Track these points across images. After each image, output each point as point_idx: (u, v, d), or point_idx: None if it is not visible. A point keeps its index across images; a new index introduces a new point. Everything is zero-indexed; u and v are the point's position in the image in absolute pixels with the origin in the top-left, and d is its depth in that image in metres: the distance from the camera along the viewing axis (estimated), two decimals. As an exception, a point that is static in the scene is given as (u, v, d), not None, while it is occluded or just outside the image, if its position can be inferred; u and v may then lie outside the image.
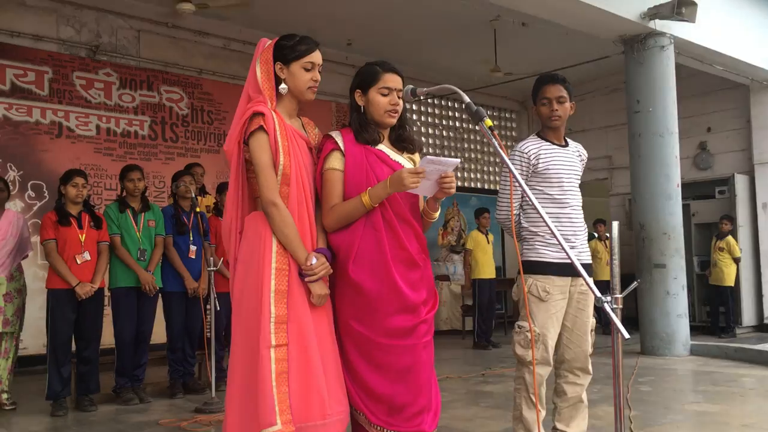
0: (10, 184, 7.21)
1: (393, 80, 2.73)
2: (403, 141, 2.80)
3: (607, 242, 10.55)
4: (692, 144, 11.27)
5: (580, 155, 3.66)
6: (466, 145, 12.55)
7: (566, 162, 3.52)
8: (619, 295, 2.08)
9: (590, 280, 2.09)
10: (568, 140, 3.66)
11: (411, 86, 2.71)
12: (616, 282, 2.10)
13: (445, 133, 12.09)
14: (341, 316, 2.63)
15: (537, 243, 3.45)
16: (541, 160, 3.46)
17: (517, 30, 9.29)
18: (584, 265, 3.49)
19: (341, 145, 2.65)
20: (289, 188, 2.53)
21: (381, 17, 9.28)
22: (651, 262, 8.02)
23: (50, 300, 5.07)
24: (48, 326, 5.06)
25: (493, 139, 2.36)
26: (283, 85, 2.62)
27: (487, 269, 8.99)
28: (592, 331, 3.56)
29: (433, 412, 2.70)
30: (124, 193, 5.54)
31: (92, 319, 5.18)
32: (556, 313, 3.39)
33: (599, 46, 9.13)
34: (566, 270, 3.40)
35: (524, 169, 3.46)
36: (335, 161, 2.63)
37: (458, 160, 2.65)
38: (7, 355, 5.25)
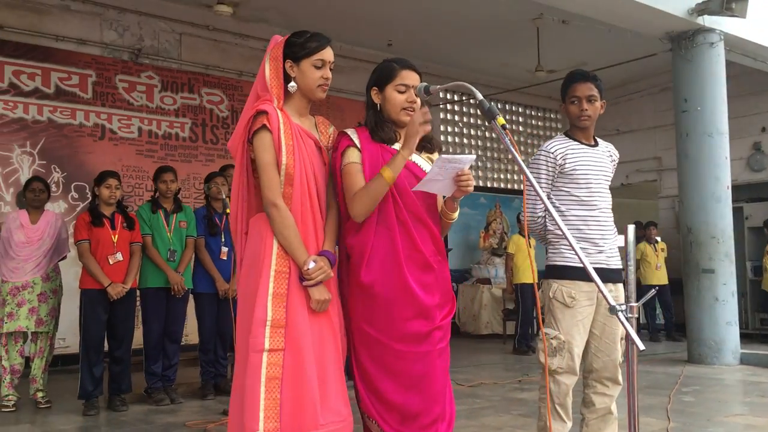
0: (53, 185, 7.42)
1: (410, 77, 2.65)
2: (421, 140, 2.70)
3: (657, 246, 10.23)
4: (745, 145, 10.86)
5: (611, 155, 3.51)
6: (509, 147, 12.34)
7: (595, 162, 3.38)
8: (634, 304, 1.94)
9: (602, 286, 1.96)
10: (598, 140, 3.51)
11: (424, 83, 2.62)
12: (631, 289, 1.96)
13: (487, 134, 11.90)
14: (354, 319, 2.56)
15: (563, 246, 3.32)
16: (568, 160, 3.32)
17: (560, 28, 9.09)
18: (613, 270, 3.34)
19: (357, 142, 2.58)
20: (293, 189, 2.46)
21: (421, 18, 9.18)
22: (699, 267, 7.71)
23: (83, 300, 5.13)
24: (80, 326, 5.12)
25: (506, 138, 2.25)
26: (292, 83, 2.56)
27: (529, 274, 8.80)
28: (622, 339, 3.40)
29: (447, 422, 2.61)
30: (157, 194, 5.57)
31: (124, 320, 5.22)
32: (583, 320, 3.25)
33: (646, 44, 8.86)
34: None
35: (550, 169, 3.34)
36: (354, 156, 2.57)
37: (473, 156, 2.51)
38: (41, 355, 5.33)
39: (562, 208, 3.33)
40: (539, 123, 12.61)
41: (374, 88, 2.68)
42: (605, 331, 3.33)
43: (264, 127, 2.45)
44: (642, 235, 10.34)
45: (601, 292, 1.94)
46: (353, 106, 9.62)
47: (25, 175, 7.47)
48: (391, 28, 9.52)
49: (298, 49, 2.56)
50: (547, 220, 3.41)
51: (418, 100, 2.67)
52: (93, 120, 8.02)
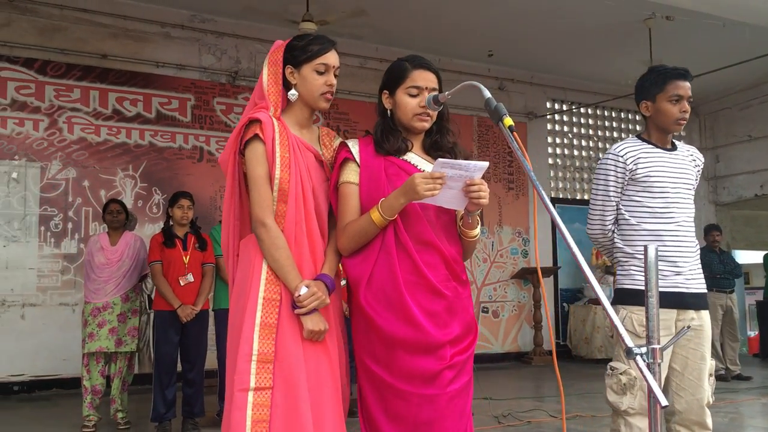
0: (153, 207, 7.62)
1: (424, 78, 2.32)
2: (439, 149, 2.37)
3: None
4: None
5: (695, 160, 3.03)
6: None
7: (673, 168, 2.91)
8: (657, 347, 1.53)
9: (614, 315, 1.55)
10: (677, 143, 3.03)
11: (433, 94, 2.28)
12: (654, 326, 1.54)
13: (600, 144, 11.18)
14: (357, 353, 2.26)
15: (633, 268, 2.88)
16: (640, 165, 2.88)
17: (673, 29, 8.35)
18: (694, 295, 2.86)
19: (356, 155, 2.29)
20: (287, 206, 2.20)
21: (523, 26, 8.73)
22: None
23: (155, 321, 5.14)
24: (153, 348, 5.11)
25: (513, 142, 1.89)
26: (292, 91, 2.32)
27: (642, 293, 8.07)
28: (710, 376, 2.90)
29: None
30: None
31: (196, 341, 5.17)
32: None
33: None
34: (671, 300, 2.79)
35: (619, 175, 2.92)
36: (350, 174, 2.27)
37: (486, 163, 2.14)
38: (120, 375, 5.37)
39: (633, 221, 2.89)
40: (660, 131, 11.69)
41: (385, 91, 2.38)
42: (688, 366, 2.86)
43: (256, 137, 2.22)
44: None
45: (611, 320, 1.53)
46: (455, 121, 9.22)
47: (128, 198, 7.73)
48: (491, 37, 9.14)
49: (298, 52, 2.32)
50: (615, 234, 2.98)
51: (431, 111, 2.32)
52: (192, 143, 8.20)
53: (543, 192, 1.80)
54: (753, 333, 11.75)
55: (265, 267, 2.18)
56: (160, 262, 5.11)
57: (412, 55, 2.40)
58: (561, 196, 10.66)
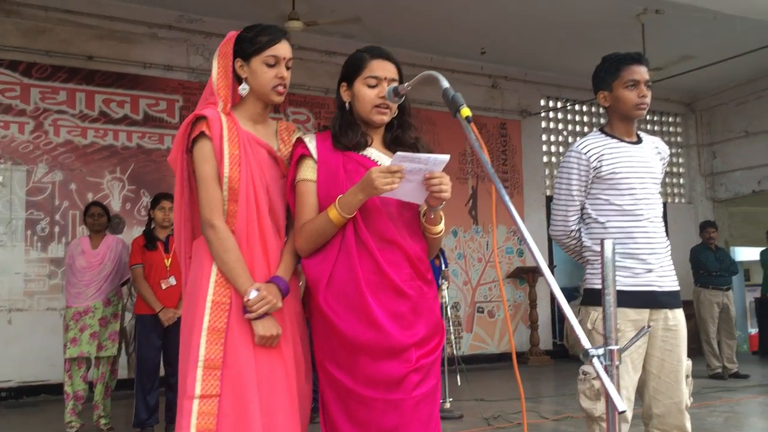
0: (142, 209, 7.53)
1: (382, 68, 2.22)
2: (400, 144, 2.27)
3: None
4: None
5: (660, 152, 2.92)
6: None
7: (639, 163, 2.80)
8: (614, 348, 1.43)
9: (572, 316, 1.45)
10: (642, 135, 2.93)
11: (392, 86, 2.18)
12: (611, 326, 1.45)
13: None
14: (318, 358, 2.17)
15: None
16: (604, 162, 2.77)
17: (666, 23, 8.24)
18: (667, 293, 2.76)
19: (313, 151, 2.19)
20: (237, 205, 2.11)
21: (515, 22, 8.63)
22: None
23: (137, 326, 5.06)
24: (135, 352, 5.03)
25: (471, 134, 1.80)
26: (243, 85, 2.23)
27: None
28: (688, 377, 2.79)
29: None
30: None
31: (178, 346, 5.06)
32: (631, 355, 2.68)
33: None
34: (643, 300, 2.70)
35: (582, 174, 2.80)
36: (307, 171, 2.18)
37: (447, 156, 2.04)
38: (103, 380, 5.28)
39: (601, 219, 2.79)
40: (656, 128, 11.59)
41: (343, 83, 2.29)
42: (664, 369, 2.75)
43: (203, 134, 2.13)
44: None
45: (569, 320, 1.43)
46: (448, 120, 9.22)
47: (115, 201, 7.65)
48: (484, 35, 9.03)
49: (247, 45, 2.23)
50: (583, 233, 2.87)
51: (391, 104, 2.23)
52: (180, 144, 8.10)
53: (501, 186, 1.71)
54: (754, 330, 11.63)
55: (214, 270, 2.10)
56: (141, 265, 5.03)
57: (371, 46, 2.31)
58: (556, 195, 10.53)
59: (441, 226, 2.22)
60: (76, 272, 5.26)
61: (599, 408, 2.68)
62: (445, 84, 1.93)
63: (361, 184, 2.04)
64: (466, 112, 1.83)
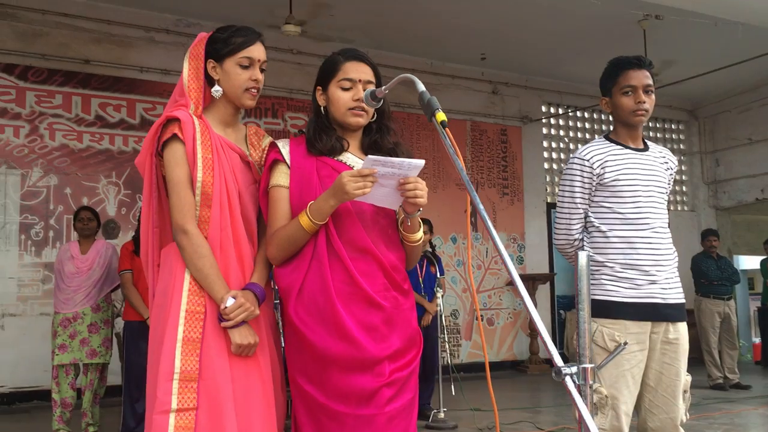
0: (138, 214, 7.46)
1: (357, 69, 2.14)
2: (379, 149, 2.19)
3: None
4: None
5: (666, 161, 2.83)
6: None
7: (644, 170, 2.73)
8: (588, 365, 1.35)
9: (546, 335, 1.37)
10: (649, 143, 2.85)
11: (370, 89, 2.11)
12: (585, 343, 1.37)
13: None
14: (290, 371, 2.09)
15: (604, 277, 2.68)
16: (608, 169, 2.69)
17: (668, 29, 8.16)
18: (670, 306, 2.68)
19: (286, 156, 2.12)
20: (211, 211, 2.04)
21: (516, 28, 8.55)
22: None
23: (125, 332, 4.99)
24: (123, 359, 4.95)
25: (446, 139, 1.73)
26: (216, 87, 2.16)
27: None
28: (685, 392, 2.71)
29: None
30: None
31: (167, 353, 4.99)
32: (632, 368, 2.59)
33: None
34: (644, 312, 2.62)
35: (586, 181, 2.72)
36: (280, 176, 2.11)
37: (421, 161, 1.96)
38: (91, 387, 5.21)
39: (603, 228, 2.71)
40: (659, 135, 11.50)
41: (318, 87, 2.23)
42: (661, 383, 2.67)
43: (175, 137, 2.06)
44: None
45: (545, 343, 1.35)
46: (449, 127, 9.13)
47: (111, 206, 7.60)
48: (484, 40, 8.96)
49: (220, 45, 2.17)
50: (586, 243, 2.79)
51: (368, 107, 2.15)
52: (177, 149, 8.04)
53: (475, 193, 1.63)
54: (757, 340, 11.50)
55: (187, 277, 2.02)
56: (130, 271, 4.97)
57: (346, 48, 2.24)
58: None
59: (419, 234, 2.14)
60: (65, 277, 5.19)
61: (596, 422, 2.58)
62: (421, 87, 1.86)
63: (332, 189, 1.97)
64: (441, 116, 1.76)
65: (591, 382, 1.35)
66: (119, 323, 5.43)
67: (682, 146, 11.68)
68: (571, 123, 10.77)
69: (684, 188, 11.71)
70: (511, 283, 9.74)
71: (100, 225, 5.51)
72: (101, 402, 5.35)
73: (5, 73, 7.26)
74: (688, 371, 2.73)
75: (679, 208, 11.56)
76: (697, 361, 9.51)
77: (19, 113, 7.28)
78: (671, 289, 2.68)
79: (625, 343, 2.41)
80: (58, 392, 5.15)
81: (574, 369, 1.36)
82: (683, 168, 11.67)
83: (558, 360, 1.37)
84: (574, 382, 1.35)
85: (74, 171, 7.51)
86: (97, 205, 7.50)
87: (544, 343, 1.39)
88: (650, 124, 11.41)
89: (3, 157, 7.18)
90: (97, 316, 5.20)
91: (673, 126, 11.66)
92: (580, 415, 1.31)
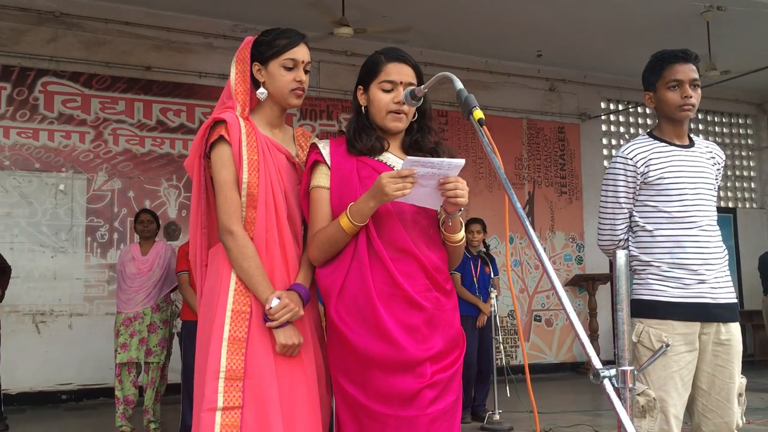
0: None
1: (398, 71, 2.14)
2: (419, 149, 2.18)
3: None
4: None
5: (714, 157, 2.74)
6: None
7: (690, 167, 2.65)
8: (627, 368, 1.31)
9: (585, 338, 1.34)
10: (695, 138, 2.76)
11: (410, 88, 2.10)
12: (624, 345, 1.33)
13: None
14: (332, 372, 2.10)
15: (650, 276, 2.61)
16: (652, 167, 2.63)
17: (733, 20, 7.88)
18: (721, 306, 2.58)
19: (327, 157, 2.13)
20: (256, 212, 2.07)
21: (573, 23, 8.40)
22: None
23: (183, 332, 5.10)
24: (182, 358, 5.07)
25: (483, 136, 1.71)
26: (261, 89, 2.20)
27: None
28: (741, 395, 2.61)
29: None
30: None
31: (224, 352, 5.08)
32: (680, 370, 2.51)
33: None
34: (693, 312, 2.54)
35: (630, 179, 2.66)
36: (321, 177, 2.12)
37: (461, 161, 1.94)
38: (153, 385, 5.35)
39: (649, 227, 2.63)
40: (726, 131, 11.11)
41: (359, 87, 2.23)
42: (715, 385, 2.58)
43: (221, 138, 2.10)
44: None
45: (582, 345, 1.32)
46: (503, 124, 9.06)
47: (172, 208, 7.79)
48: (540, 36, 8.83)
49: (265, 48, 2.20)
50: (631, 242, 2.72)
51: (408, 107, 2.15)
52: (235, 152, 8.19)
53: (513, 193, 1.61)
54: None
55: (233, 278, 2.06)
56: (187, 272, 5.08)
57: (389, 47, 2.24)
58: (618, 200, 10.21)
59: (461, 234, 2.12)
60: (127, 278, 5.35)
61: (644, 426, 2.52)
62: (459, 85, 1.85)
63: (372, 191, 1.97)
64: (478, 114, 1.74)
65: (631, 385, 1.31)
66: (179, 323, 5.56)
67: (750, 141, 11.26)
68: (631, 119, 10.51)
69: (753, 185, 11.28)
70: (570, 282, 9.58)
71: (160, 227, 5.65)
72: (162, 399, 5.48)
73: (71, 81, 7.53)
74: (758, 374, 2.63)
75: (747, 206, 11.14)
76: (766, 364, 9.17)
77: (84, 120, 7.54)
78: (721, 288, 2.59)
79: (668, 345, 2.34)
80: (120, 390, 5.31)
81: (612, 371, 1.32)
82: (752, 164, 11.25)
83: (596, 362, 1.34)
84: (613, 385, 1.31)
85: (137, 175, 7.73)
86: (159, 208, 7.71)
87: (582, 344, 1.35)
88: (716, 119, 11.03)
89: (70, 162, 7.45)
90: (156, 316, 5.34)
91: (740, 120, 11.25)
92: (619, 419, 1.28)
